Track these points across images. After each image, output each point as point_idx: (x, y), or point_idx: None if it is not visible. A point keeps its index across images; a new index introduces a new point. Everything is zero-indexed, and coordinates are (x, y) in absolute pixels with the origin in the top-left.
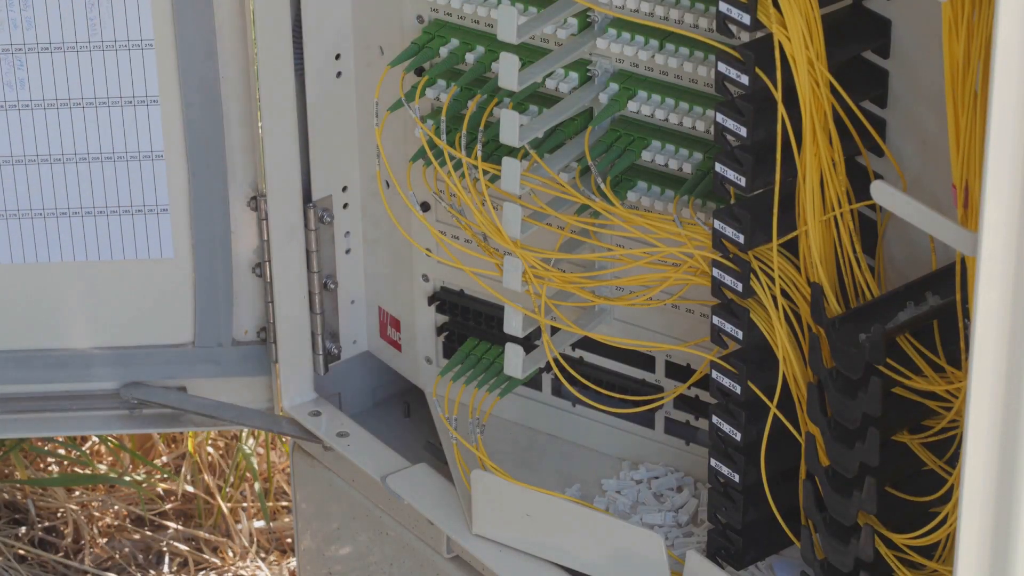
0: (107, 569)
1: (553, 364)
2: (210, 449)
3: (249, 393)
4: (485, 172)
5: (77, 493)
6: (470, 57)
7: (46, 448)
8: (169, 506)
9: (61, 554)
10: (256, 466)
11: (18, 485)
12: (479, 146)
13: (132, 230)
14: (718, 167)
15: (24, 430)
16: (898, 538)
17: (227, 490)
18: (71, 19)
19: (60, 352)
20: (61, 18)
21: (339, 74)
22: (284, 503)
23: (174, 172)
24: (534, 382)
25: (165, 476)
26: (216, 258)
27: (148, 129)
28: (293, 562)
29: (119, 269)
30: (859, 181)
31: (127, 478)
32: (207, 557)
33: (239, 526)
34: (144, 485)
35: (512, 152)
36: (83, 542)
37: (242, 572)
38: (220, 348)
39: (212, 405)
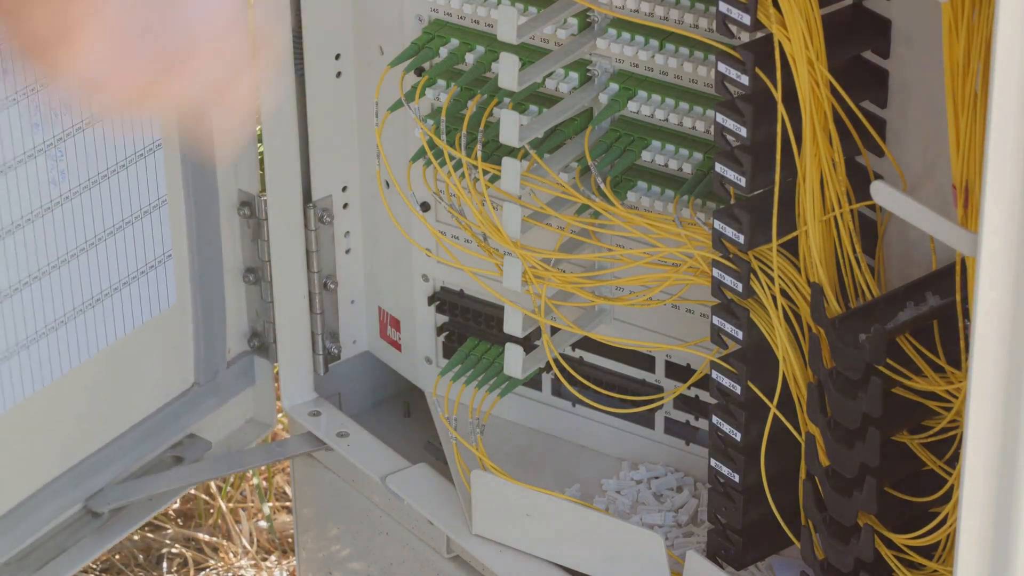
0: (107, 569)
1: (553, 364)
2: None
3: (247, 406)
4: (485, 172)
5: None
6: (470, 57)
7: None
8: (169, 506)
9: None
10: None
11: None
12: (479, 146)
13: (139, 294)
14: (718, 167)
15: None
16: (898, 538)
17: (227, 490)
18: None
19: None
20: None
21: (339, 74)
22: (284, 503)
23: (175, 212)
24: (534, 382)
25: None
26: (210, 274)
27: (156, 178)
28: (293, 562)
29: (123, 347)
30: (859, 181)
31: None
32: (207, 558)
33: (239, 526)
34: None
35: (512, 152)
36: None
37: (242, 573)
38: (218, 377)
39: (208, 468)
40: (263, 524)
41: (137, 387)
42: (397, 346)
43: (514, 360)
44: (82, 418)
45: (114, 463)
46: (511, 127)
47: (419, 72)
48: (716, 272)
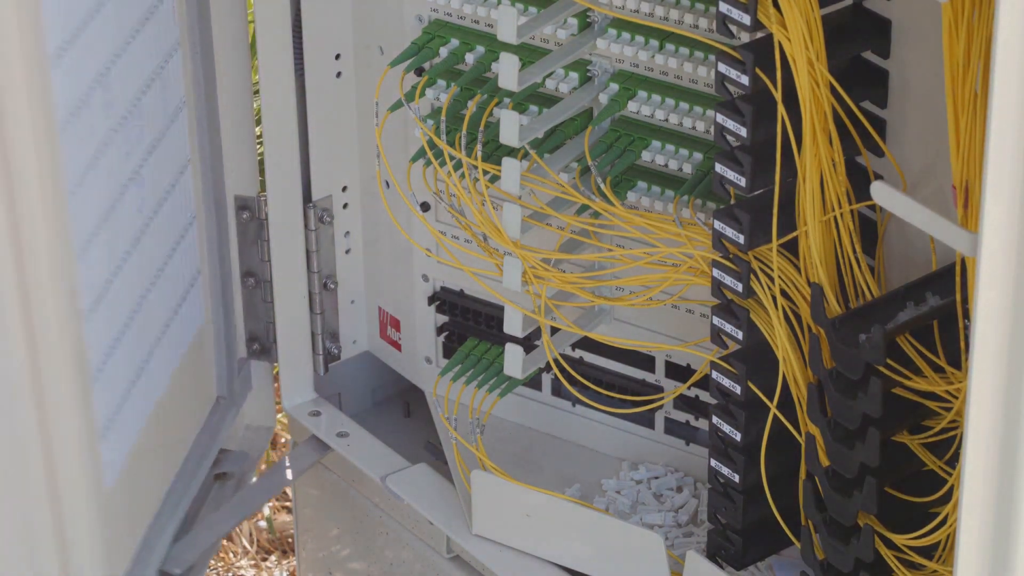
0: None
1: (553, 364)
2: None
3: (248, 411)
4: (485, 172)
5: None
6: (470, 57)
7: None
8: None
9: None
10: None
11: None
12: (479, 146)
13: (183, 319)
14: (718, 167)
15: None
16: (898, 538)
17: None
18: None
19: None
20: None
21: (339, 74)
22: (284, 503)
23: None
24: (534, 382)
25: None
26: (224, 283)
27: (189, 195)
28: (293, 562)
29: (173, 381)
30: (859, 181)
31: None
32: None
33: (239, 526)
34: None
35: (512, 152)
36: None
37: (242, 573)
38: (234, 386)
39: (256, 495)
40: (263, 524)
41: (181, 421)
42: (397, 346)
43: (514, 360)
44: (144, 478)
45: (173, 513)
46: (511, 127)
47: (419, 72)
48: (716, 272)
